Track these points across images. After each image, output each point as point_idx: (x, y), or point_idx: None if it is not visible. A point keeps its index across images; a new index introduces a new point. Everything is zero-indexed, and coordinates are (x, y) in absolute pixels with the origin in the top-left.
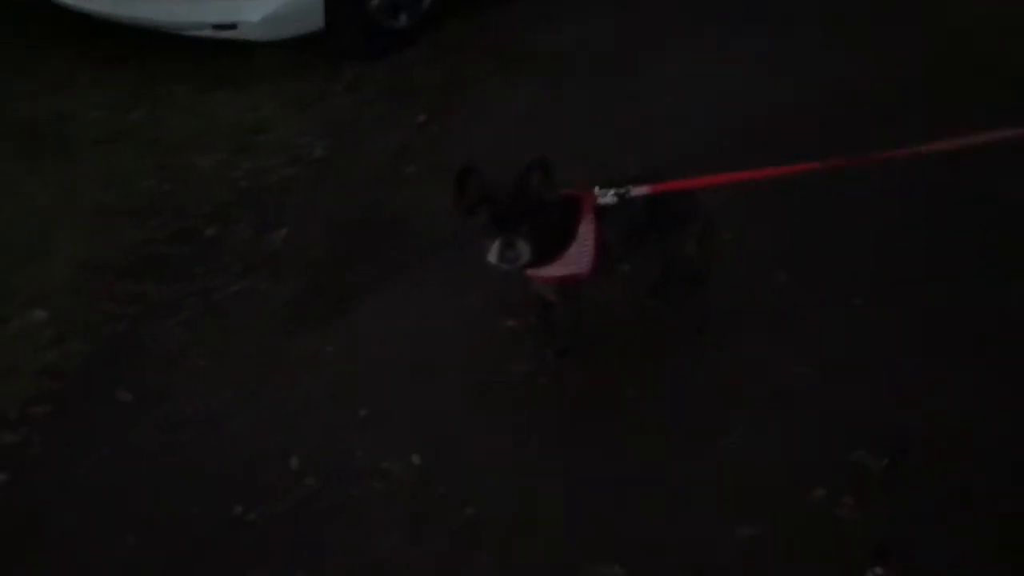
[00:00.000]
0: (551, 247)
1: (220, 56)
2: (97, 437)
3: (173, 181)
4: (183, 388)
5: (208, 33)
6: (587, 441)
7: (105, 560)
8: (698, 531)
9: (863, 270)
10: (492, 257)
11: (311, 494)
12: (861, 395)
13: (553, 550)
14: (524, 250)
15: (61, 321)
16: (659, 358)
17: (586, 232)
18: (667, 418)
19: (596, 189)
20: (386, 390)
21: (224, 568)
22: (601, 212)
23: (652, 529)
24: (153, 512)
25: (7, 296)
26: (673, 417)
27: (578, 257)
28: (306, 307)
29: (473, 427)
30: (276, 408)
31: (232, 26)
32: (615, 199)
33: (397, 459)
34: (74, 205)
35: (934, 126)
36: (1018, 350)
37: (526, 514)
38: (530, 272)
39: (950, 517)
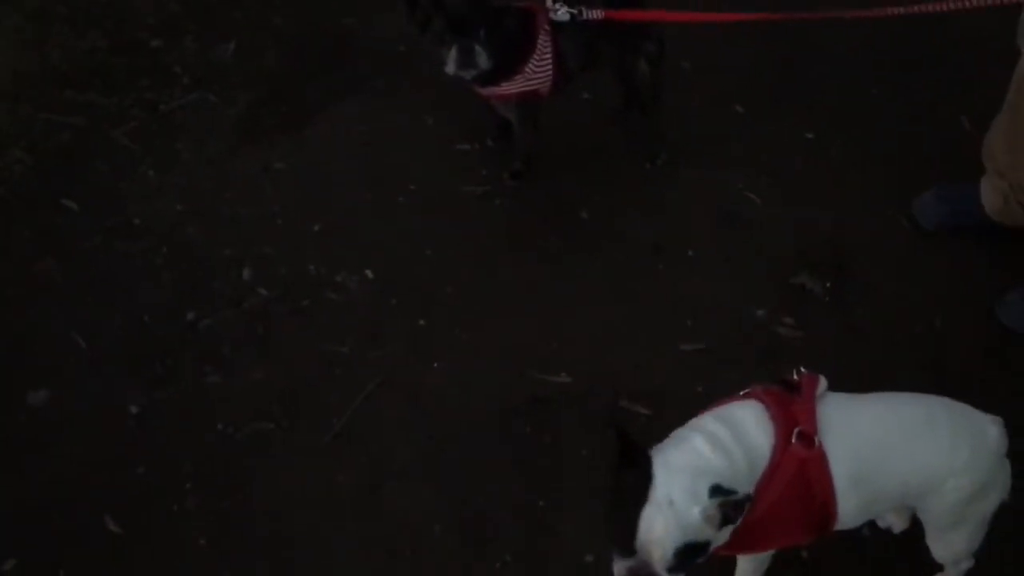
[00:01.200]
0: (509, 60)
1: None
2: (44, 243)
3: None
4: (132, 198)
5: None
6: (538, 259)
7: (59, 363)
8: (643, 347)
9: (818, 106)
10: (450, 66)
11: (264, 302)
12: (807, 223)
13: (502, 357)
14: (482, 56)
15: (1, 129)
16: (614, 183)
17: (543, 45)
18: (617, 238)
19: (548, 2)
20: (338, 206)
21: (177, 371)
22: (557, 27)
23: (597, 342)
24: (105, 317)
25: None
26: (624, 238)
27: (537, 71)
28: (256, 122)
29: (426, 244)
30: (227, 221)
31: None
32: (567, 17)
33: (350, 273)
34: (10, 11)
35: None
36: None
37: (475, 325)
38: (488, 90)
39: (890, 334)
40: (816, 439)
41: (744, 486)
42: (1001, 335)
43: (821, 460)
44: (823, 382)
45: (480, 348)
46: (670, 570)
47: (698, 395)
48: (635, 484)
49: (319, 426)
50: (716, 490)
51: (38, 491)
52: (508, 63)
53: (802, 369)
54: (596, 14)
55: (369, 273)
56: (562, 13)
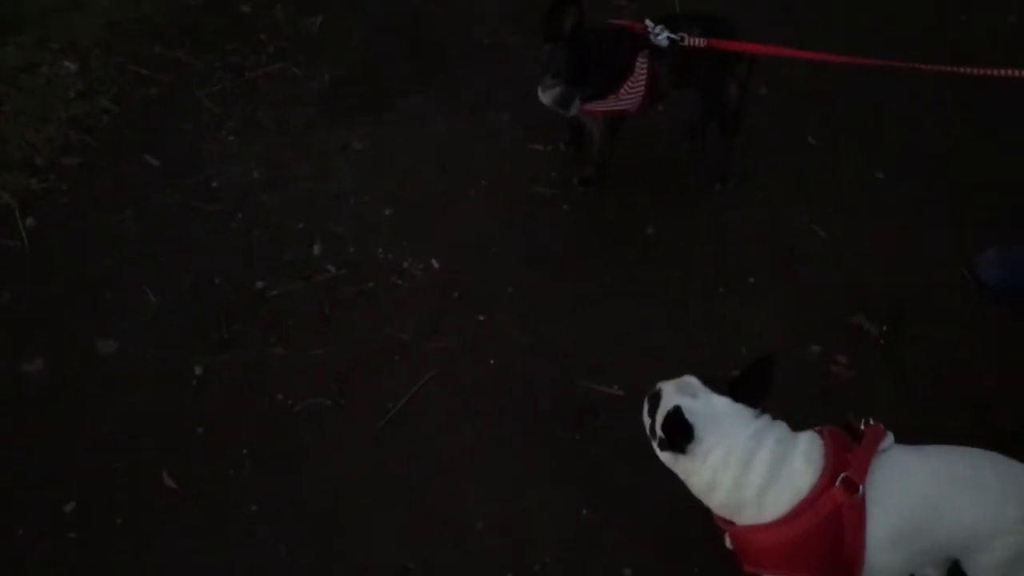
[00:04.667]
0: (606, 84)
1: None
2: (124, 194)
3: None
4: (211, 160)
5: None
6: (600, 268)
7: (129, 315)
8: (696, 370)
9: (892, 146)
10: (547, 99)
11: (332, 280)
12: (869, 263)
13: (556, 362)
14: (577, 104)
15: (91, 76)
16: (682, 201)
17: (640, 69)
18: (681, 258)
19: (649, 25)
20: (410, 193)
21: (242, 337)
22: (655, 50)
23: (653, 357)
24: (177, 275)
25: (40, 43)
26: (687, 258)
27: (631, 93)
28: (337, 100)
29: (491, 240)
30: (303, 194)
31: None
32: (667, 42)
33: (417, 260)
34: None
35: None
36: None
37: (532, 327)
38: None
39: (940, 383)
40: (861, 488)
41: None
42: None
43: (859, 509)
44: (889, 437)
45: (535, 350)
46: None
47: None
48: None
49: (374, 409)
50: (685, 422)
51: (102, 438)
52: (604, 87)
53: (870, 420)
54: (699, 41)
55: (435, 263)
56: (663, 39)
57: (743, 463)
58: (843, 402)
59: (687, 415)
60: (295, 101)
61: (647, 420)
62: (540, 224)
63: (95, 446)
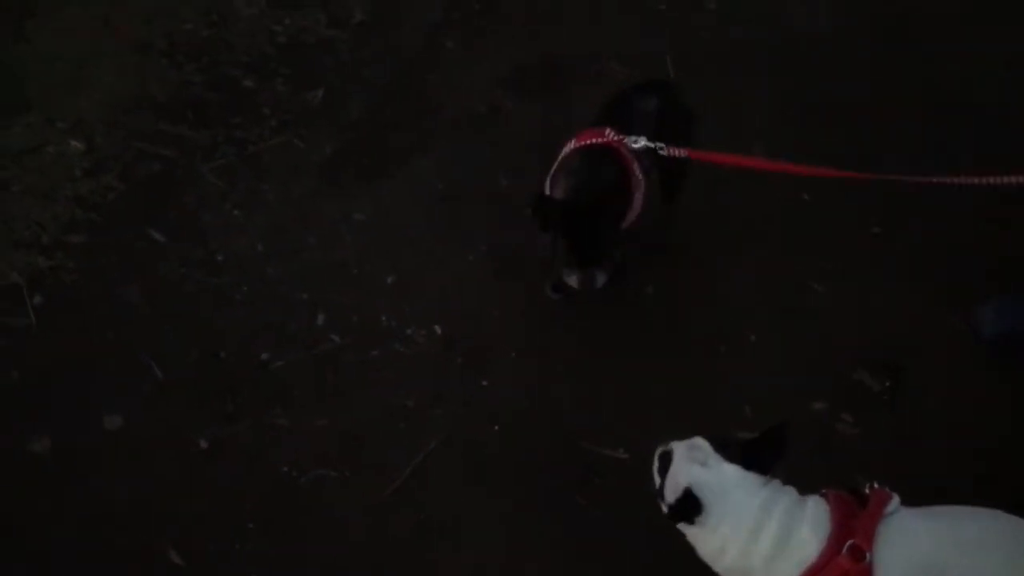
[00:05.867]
0: (617, 225)
1: None
2: (130, 270)
3: (214, 27)
4: (216, 234)
5: None
6: (601, 331)
7: (134, 388)
8: (701, 431)
9: (887, 201)
10: (571, 282)
11: (336, 350)
12: (868, 319)
13: (560, 426)
14: (602, 277)
15: (97, 154)
16: (680, 260)
17: (638, 185)
18: (682, 318)
19: (617, 135)
20: (412, 260)
21: (247, 409)
22: (639, 155)
23: (656, 419)
24: (181, 348)
25: (46, 123)
26: (687, 318)
27: (641, 201)
28: (340, 169)
29: (493, 304)
30: (306, 265)
31: None
32: (642, 145)
33: (420, 327)
34: (113, 40)
35: None
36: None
37: (535, 390)
38: None
39: (947, 439)
40: (868, 555)
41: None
42: None
43: None
44: (895, 500)
45: (539, 414)
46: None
47: None
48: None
49: (379, 479)
50: (695, 497)
51: (108, 515)
52: (617, 230)
53: (876, 484)
54: (679, 152)
55: (438, 329)
56: (641, 144)
57: (752, 533)
58: (849, 460)
59: (696, 491)
60: (297, 173)
61: (656, 478)
62: (540, 287)
63: (101, 523)
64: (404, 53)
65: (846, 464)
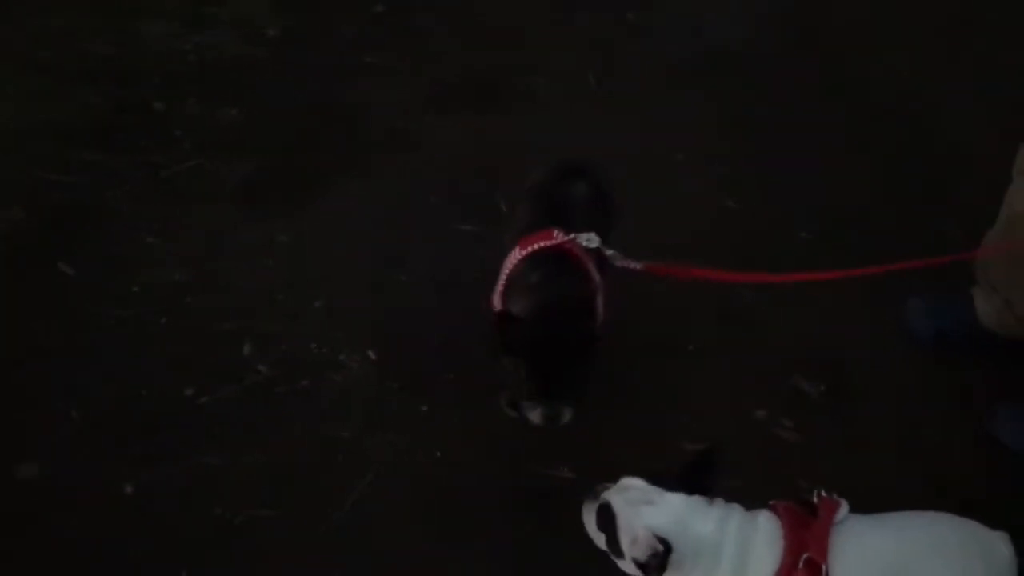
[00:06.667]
0: (588, 342)
1: None
2: (38, 308)
3: (119, 47)
4: (130, 264)
5: None
6: None
7: (50, 434)
8: (644, 445)
9: (810, 206)
10: (534, 418)
11: (264, 381)
12: (803, 324)
13: (503, 448)
14: (568, 412)
15: None
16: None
17: (598, 289)
18: (617, 329)
19: (564, 235)
20: (341, 283)
21: (174, 449)
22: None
23: (598, 437)
24: (100, 388)
25: None
26: (623, 329)
27: (599, 315)
28: (259, 192)
29: (427, 326)
30: (228, 293)
31: None
32: (596, 244)
33: (352, 352)
34: (10, 64)
35: None
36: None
37: (476, 413)
38: None
39: (886, 440)
40: (823, 567)
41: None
42: (994, 448)
43: None
44: (844, 507)
45: (481, 437)
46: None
47: None
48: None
49: (318, 515)
50: (661, 541)
51: (28, 569)
52: (586, 346)
53: (823, 492)
54: (634, 265)
55: (371, 354)
56: (593, 242)
57: (713, 558)
58: (792, 467)
59: (660, 533)
60: (215, 197)
61: (598, 536)
62: (475, 305)
63: None
64: (321, 71)
65: (791, 471)
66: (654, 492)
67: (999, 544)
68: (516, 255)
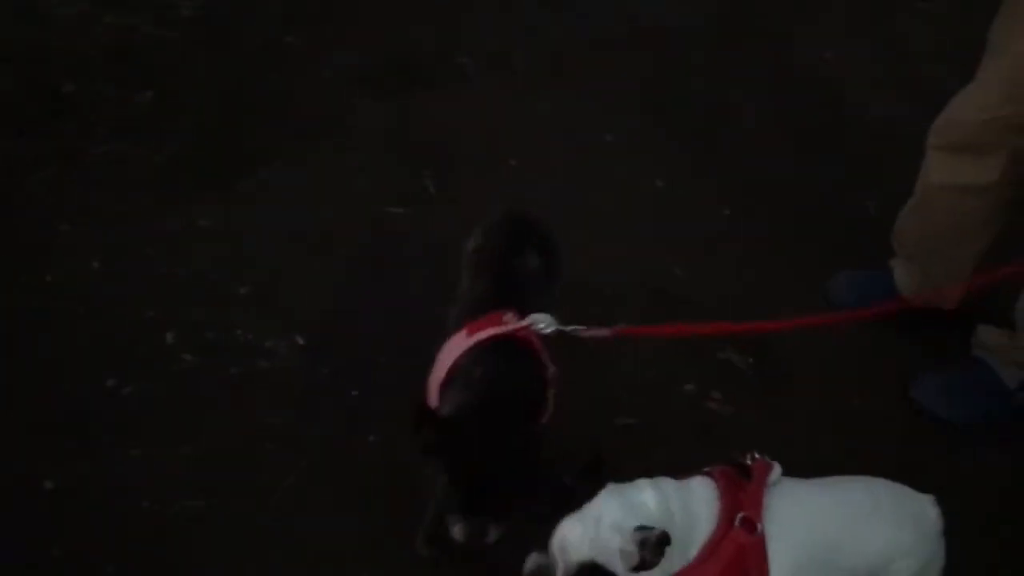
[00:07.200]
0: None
1: None
2: None
3: (28, 27)
4: (45, 253)
5: None
6: None
7: None
8: (578, 422)
9: (735, 183)
10: (455, 534)
11: (190, 370)
12: (728, 298)
13: None
14: (497, 533)
15: None
16: None
17: (551, 381)
18: (552, 312)
19: (515, 318)
20: (266, 268)
21: (99, 443)
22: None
23: None
24: (16, 382)
25: None
26: (558, 310)
27: (548, 409)
28: (177, 178)
29: (357, 309)
30: (149, 280)
31: None
32: (553, 329)
33: (280, 338)
34: None
35: None
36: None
37: (407, 399)
38: None
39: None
40: (759, 526)
41: (673, 551)
42: (917, 414)
43: (760, 547)
44: (777, 469)
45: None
46: None
47: (634, 470)
48: (579, 495)
49: (250, 505)
50: (640, 528)
51: None
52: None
53: (756, 455)
54: (602, 332)
55: (300, 339)
56: (551, 328)
57: (670, 527)
58: (723, 439)
59: (655, 525)
60: (133, 182)
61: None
62: (405, 287)
63: None
64: (242, 51)
65: (723, 442)
66: (588, 516)
67: (928, 506)
68: (461, 342)
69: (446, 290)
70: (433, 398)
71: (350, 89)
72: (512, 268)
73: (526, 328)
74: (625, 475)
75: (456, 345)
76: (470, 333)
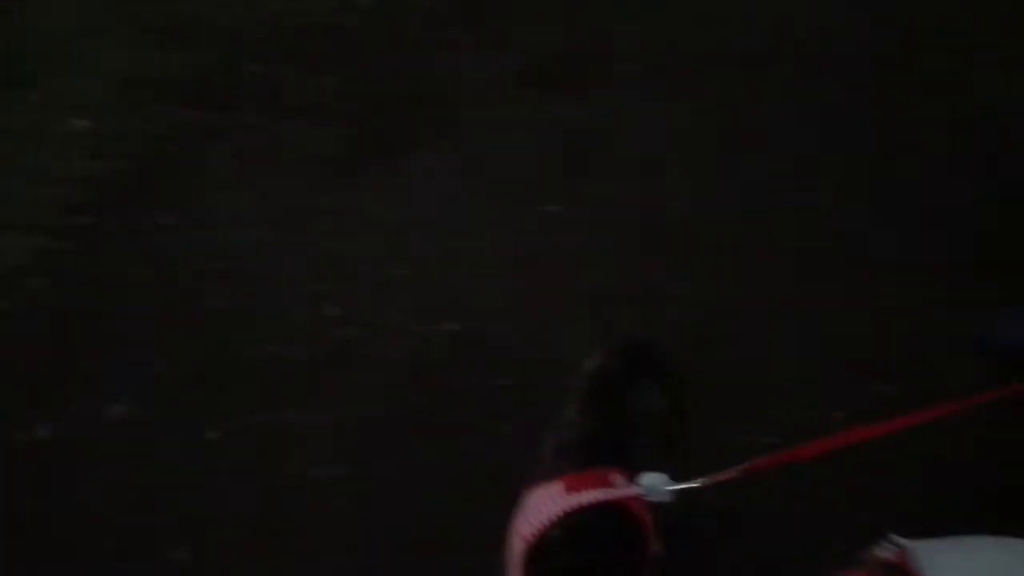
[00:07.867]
0: None
1: None
2: (137, 255)
3: (217, 9)
4: (224, 219)
5: None
6: None
7: (134, 378)
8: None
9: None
10: None
11: (345, 342)
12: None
13: None
14: None
15: (102, 135)
16: None
17: (651, 560)
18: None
19: (624, 479)
20: (425, 254)
21: (256, 402)
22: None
23: None
24: (187, 336)
25: (47, 103)
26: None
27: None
28: (350, 159)
29: (507, 303)
30: (316, 254)
31: None
32: (668, 499)
33: (431, 323)
34: (116, 22)
35: None
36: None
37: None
38: None
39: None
40: None
41: None
42: None
43: None
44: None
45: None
46: None
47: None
48: None
49: (393, 469)
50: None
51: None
52: None
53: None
54: (728, 475)
55: (450, 326)
56: (662, 494)
57: None
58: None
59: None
60: (308, 161)
61: None
62: (559, 280)
63: (107, 522)
64: (414, 42)
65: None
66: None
67: None
68: (549, 499)
69: (593, 290)
70: (514, 566)
71: (513, 86)
72: (621, 407)
73: (635, 495)
74: None
75: (549, 499)
76: (567, 492)
